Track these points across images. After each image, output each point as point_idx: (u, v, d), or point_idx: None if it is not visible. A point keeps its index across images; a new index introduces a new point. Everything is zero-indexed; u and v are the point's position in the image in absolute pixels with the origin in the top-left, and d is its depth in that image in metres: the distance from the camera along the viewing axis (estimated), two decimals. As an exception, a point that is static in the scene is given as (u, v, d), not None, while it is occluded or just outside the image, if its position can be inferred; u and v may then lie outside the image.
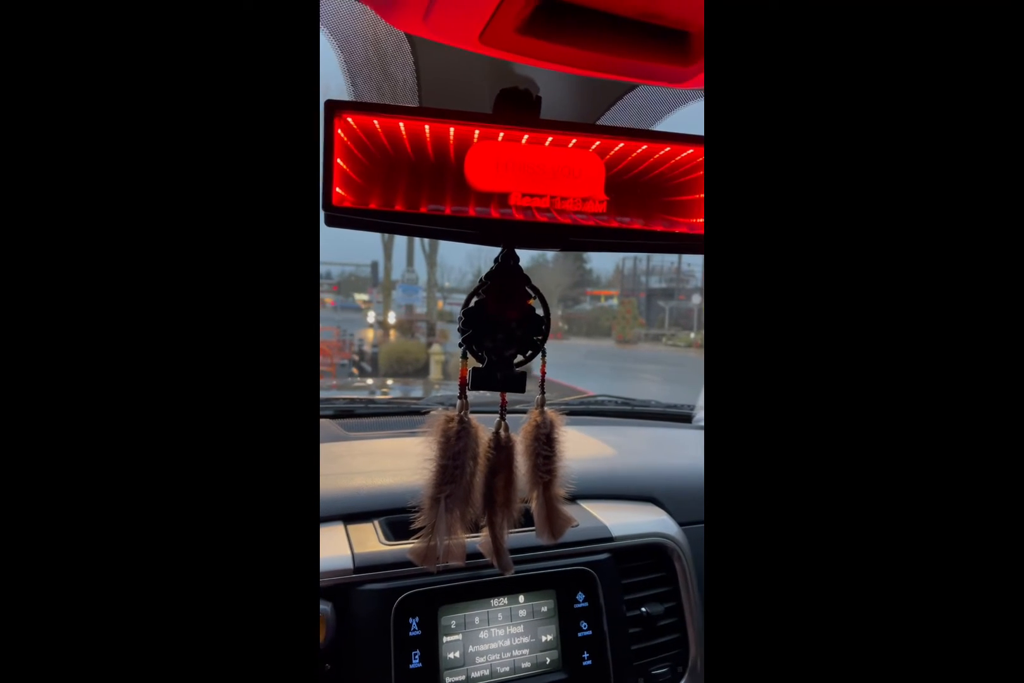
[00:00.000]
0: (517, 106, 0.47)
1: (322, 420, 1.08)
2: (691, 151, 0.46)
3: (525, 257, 0.50)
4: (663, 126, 0.58)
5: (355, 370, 9.96)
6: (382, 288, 14.20)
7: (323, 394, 1.38)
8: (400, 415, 1.15)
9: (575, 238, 0.47)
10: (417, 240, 13.25)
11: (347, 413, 1.13)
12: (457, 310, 0.50)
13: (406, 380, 5.30)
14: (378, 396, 1.55)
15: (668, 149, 0.46)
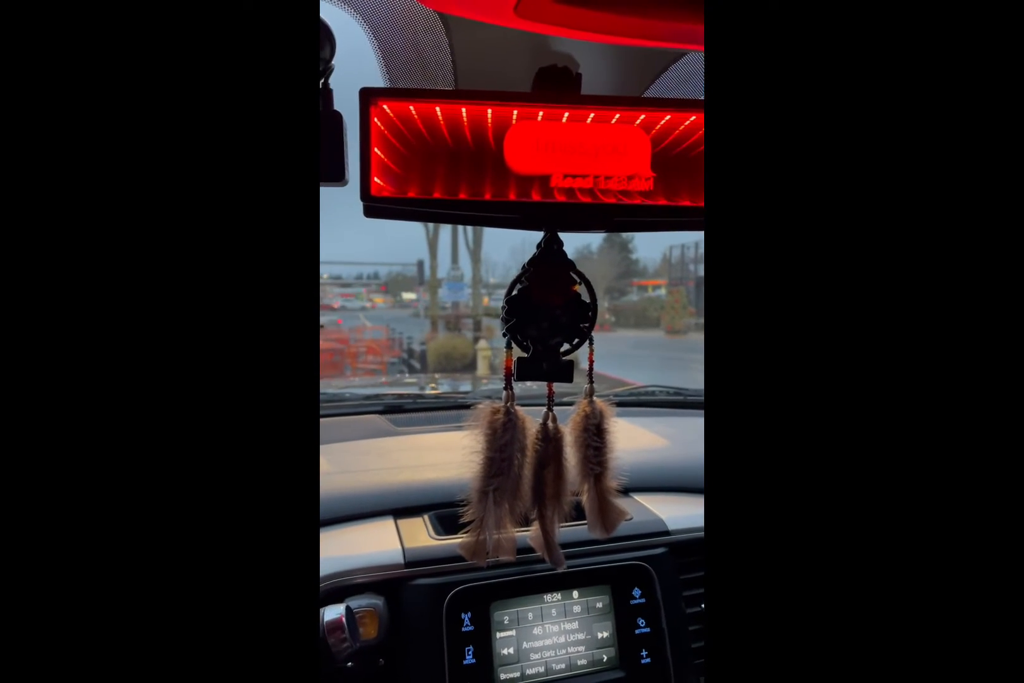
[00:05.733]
0: (557, 84, 0.45)
1: (371, 416, 1.09)
2: (743, 121, 0.44)
3: (568, 248, 0.49)
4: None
5: (405, 368, 10.14)
6: (428, 286, 14.37)
7: (372, 391, 1.40)
8: (448, 409, 1.15)
9: (620, 218, 0.45)
10: (461, 236, 13.36)
11: (396, 408, 1.13)
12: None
13: (454, 376, 5.35)
14: (427, 392, 1.56)
15: (718, 120, 0.44)
